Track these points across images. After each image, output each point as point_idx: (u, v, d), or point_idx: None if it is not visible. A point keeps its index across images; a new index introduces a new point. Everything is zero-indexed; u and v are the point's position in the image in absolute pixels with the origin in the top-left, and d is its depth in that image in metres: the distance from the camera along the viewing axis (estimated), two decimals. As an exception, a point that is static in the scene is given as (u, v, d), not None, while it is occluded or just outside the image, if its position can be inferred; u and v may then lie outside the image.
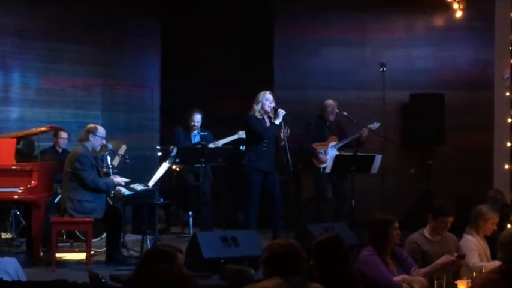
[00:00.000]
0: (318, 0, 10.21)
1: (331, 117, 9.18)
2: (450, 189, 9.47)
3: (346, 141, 9.09)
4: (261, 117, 8.27)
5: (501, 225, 6.21)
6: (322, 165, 8.97)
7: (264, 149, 8.22)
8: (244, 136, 8.81)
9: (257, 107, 8.26)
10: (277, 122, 8.18)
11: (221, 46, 10.43)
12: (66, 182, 7.30)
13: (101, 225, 7.59)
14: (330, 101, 9.19)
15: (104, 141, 7.54)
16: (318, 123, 9.23)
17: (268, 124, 8.27)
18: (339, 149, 9.06)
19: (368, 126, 9.00)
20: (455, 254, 5.37)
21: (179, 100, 10.18)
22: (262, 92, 8.31)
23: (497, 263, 5.61)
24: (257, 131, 8.26)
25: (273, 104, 8.23)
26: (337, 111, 9.18)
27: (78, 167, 7.13)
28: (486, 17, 9.76)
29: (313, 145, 9.07)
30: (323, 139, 9.15)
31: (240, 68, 10.18)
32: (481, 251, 5.83)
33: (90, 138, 7.32)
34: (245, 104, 9.06)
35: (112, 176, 7.64)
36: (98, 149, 7.58)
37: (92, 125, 7.47)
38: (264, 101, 8.24)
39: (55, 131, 8.91)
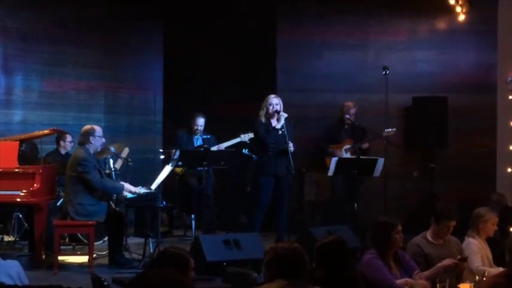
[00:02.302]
0: (320, 3, 10.22)
1: (347, 119, 9.25)
2: (453, 192, 9.47)
3: (352, 149, 9.15)
4: (266, 122, 8.27)
5: (503, 228, 6.20)
6: None
7: (271, 153, 8.21)
8: (246, 139, 8.81)
9: (262, 112, 8.30)
10: (278, 125, 8.19)
11: (224, 49, 10.43)
12: (68, 186, 7.30)
13: (103, 228, 7.59)
14: (347, 103, 9.39)
15: (104, 140, 7.54)
16: (336, 125, 9.35)
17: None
18: (352, 154, 9.10)
19: (384, 132, 9.03)
20: (458, 257, 5.37)
21: (182, 103, 10.19)
22: (267, 97, 8.34)
23: (501, 269, 5.62)
24: (259, 135, 8.28)
25: (277, 107, 8.23)
26: (352, 112, 9.26)
27: (82, 170, 7.13)
28: (489, 20, 9.75)
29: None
30: (338, 142, 9.22)
31: (242, 71, 10.19)
32: (483, 253, 5.83)
33: (91, 140, 7.31)
34: (248, 106, 9.08)
35: (123, 183, 7.57)
36: (99, 149, 7.58)
37: (88, 127, 7.45)
38: (268, 105, 8.26)
39: (60, 135, 8.93)
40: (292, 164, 8.06)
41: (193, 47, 10.54)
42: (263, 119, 8.29)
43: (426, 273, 5.20)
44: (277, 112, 8.21)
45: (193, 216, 9.14)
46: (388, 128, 9.10)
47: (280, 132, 8.17)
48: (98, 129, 7.42)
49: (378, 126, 9.28)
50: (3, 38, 9.47)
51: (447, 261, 5.24)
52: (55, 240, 7.06)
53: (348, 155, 9.07)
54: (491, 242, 5.98)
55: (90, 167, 7.18)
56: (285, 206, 8.37)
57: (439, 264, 5.25)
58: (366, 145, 9.12)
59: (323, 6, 10.21)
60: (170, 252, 3.82)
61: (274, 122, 8.25)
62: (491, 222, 5.90)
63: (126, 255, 7.64)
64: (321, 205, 9.60)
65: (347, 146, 9.22)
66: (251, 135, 8.68)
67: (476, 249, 5.79)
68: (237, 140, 8.88)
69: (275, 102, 8.25)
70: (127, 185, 7.41)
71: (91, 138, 7.31)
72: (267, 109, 8.26)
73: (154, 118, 10.74)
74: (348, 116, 9.32)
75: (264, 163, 8.24)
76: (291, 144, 8.09)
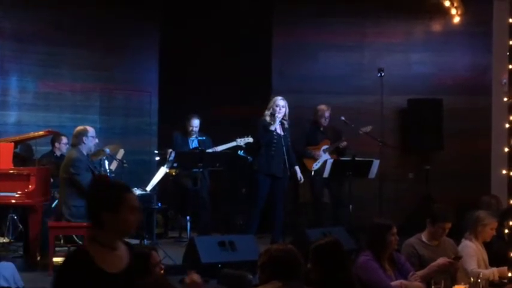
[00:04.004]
0: (317, 5, 10.22)
1: (323, 122, 9.26)
2: (448, 194, 9.47)
3: (331, 148, 9.16)
4: (271, 122, 8.31)
5: (499, 231, 6.19)
6: (314, 168, 9.03)
7: (273, 153, 8.28)
8: (242, 144, 8.85)
9: (267, 112, 8.38)
10: (273, 128, 8.23)
11: (220, 50, 10.43)
12: (62, 188, 7.29)
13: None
14: (321, 106, 9.33)
15: (97, 140, 7.53)
16: (311, 128, 9.34)
17: (278, 130, 8.30)
18: (331, 153, 9.12)
19: (360, 130, 9.06)
20: (453, 256, 5.39)
21: (177, 104, 10.17)
22: (274, 98, 8.43)
23: (495, 269, 5.63)
24: (259, 134, 8.33)
25: (283, 110, 8.29)
26: (327, 115, 9.24)
27: (73, 172, 7.12)
28: (484, 22, 9.78)
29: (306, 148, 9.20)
30: (316, 143, 9.22)
31: (238, 73, 10.19)
32: (480, 256, 5.83)
33: (84, 141, 7.31)
34: (243, 108, 9.08)
35: None
36: (93, 149, 7.58)
37: (80, 128, 7.45)
38: (274, 106, 8.33)
39: (55, 137, 8.91)
40: (288, 165, 8.12)
41: (189, 48, 10.53)
42: (267, 118, 8.35)
43: (420, 272, 5.21)
44: (273, 114, 8.26)
45: (188, 217, 9.13)
46: (365, 126, 9.13)
47: (281, 133, 8.21)
48: (91, 130, 7.42)
49: (374, 128, 9.28)
50: (-1, 38, 9.47)
51: (441, 260, 5.26)
52: (50, 242, 7.04)
53: (327, 155, 9.09)
54: (487, 243, 5.98)
55: (82, 169, 7.16)
56: (282, 208, 8.39)
57: (433, 263, 5.27)
58: (343, 143, 9.12)
59: (319, 8, 10.21)
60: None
61: (277, 123, 8.30)
62: (490, 226, 5.90)
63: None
64: (315, 207, 9.58)
65: (325, 147, 9.21)
66: (247, 139, 8.71)
67: (472, 252, 5.80)
68: (233, 143, 8.89)
69: (282, 104, 8.32)
70: None
71: (84, 138, 7.31)
72: (273, 110, 8.31)
73: (149, 120, 10.72)
74: (325, 119, 9.28)
75: (265, 162, 8.29)
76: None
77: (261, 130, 8.34)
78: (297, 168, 8.51)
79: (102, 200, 3.28)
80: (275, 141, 8.29)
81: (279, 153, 8.23)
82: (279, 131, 8.33)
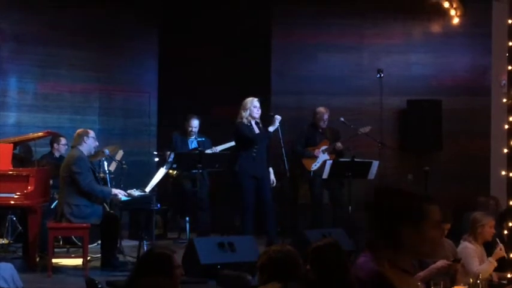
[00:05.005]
0: (315, 6, 10.22)
1: (322, 124, 9.26)
2: (447, 195, 9.45)
3: (329, 149, 9.15)
4: (248, 124, 8.30)
5: (499, 232, 6.21)
6: (313, 168, 9.03)
7: (254, 154, 8.27)
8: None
9: (245, 114, 8.31)
10: (271, 128, 8.22)
11: (219, 51, 10.44)
12: (63, 187, 7.29)
13: (97, 231, 7.58)
14: (319, 108, 9.32)
15: (97, 143, 7.55)
16: (310, 130, 9.35)
17: (256, 130, 8.30)
18: (330, 154, 9.12)
19: (359, 131, 9.06)
20: (452, 259, 5.39)
21: (176, 105, 10.19)
22: (250, 99, 8.35)
23: (491, 259, 5.66)
24: (247, 137, 8.29)
25: (260, 111, 8.28)
26: (326, 118, 9.23)
27: (75, 170, 7.13)
28: (483, 23, 9.78)
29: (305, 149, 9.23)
30: (315, 144, 9.23)
31: (237, 74, 10.19)
32: (480, 257, 5.84)
33: (85, 141, 7.33)
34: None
35: (112, 188, 7.60)
36: (93, 151, 7.60)
37: (81, 130, 7.50)
38: (252, 108, 8.29)
39: (54, 138, 8.92)
40: (287, 166, 8.11)
41: (188, 49, 10.53)
42: (245, 121, 8.31)
43: (420, 274, 5.21)
44: (271, 115, 8.26)
45: (187, 218, 9.14)
46: (364, 127, 9.13)
47: (260, 134, 8.22)
48: (92, 132, 7.47)
49: (373, 129, 9.29)
50: (-2, 39, 9.47)
51: (441, 263, 5.27)
52: (49, 243, 7.04)
53: (326, 156, 9.09)
54: (485, 244, 6.00)
55: (84, 168, 7.18)
56: (271, 208, 8.36)
57: (433, 266, 5.28)
58: (339, 144, 9.11)
59: (318, 9, 10.21)
60: (154, 252, 3.82)
61: (254, 124, 8.28)
62: (488, 225, 5.93)
63: (120, 257, 7.63)
64: (314, 208, 9.58)
65: (324, 147, 9.21)
66: None
67: (473, 253, 5.81)
68: (232, 143, 8.89)
69: (258, 105, 8.31)
70: (114, 190, 7.44)
71: (85, 138, 7.34)
72: (251, 111, 8.28)
73: (148, 120, 10.70)
74: (324, 121, 9.27)
75: (246, 164, 8.27)
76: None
77: (247, 132, 8.29)
78: (271, 169, 8.47)
79: (401, 214, 2.69)
80: (256, 142, 8.28)
81: (260, 154, 8.25)
82: (257, 131, 8.32)
